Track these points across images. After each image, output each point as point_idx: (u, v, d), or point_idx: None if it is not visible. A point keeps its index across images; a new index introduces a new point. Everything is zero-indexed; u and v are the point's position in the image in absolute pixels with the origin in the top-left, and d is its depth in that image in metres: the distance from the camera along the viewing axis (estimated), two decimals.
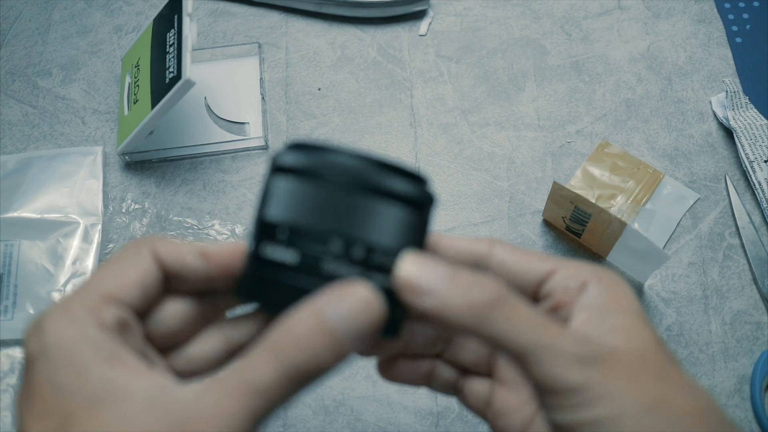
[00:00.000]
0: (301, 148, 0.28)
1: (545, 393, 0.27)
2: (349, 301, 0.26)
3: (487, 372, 0.34)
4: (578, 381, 0.26)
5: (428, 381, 0.35)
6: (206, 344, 0.31)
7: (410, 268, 0.27)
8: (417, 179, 0.29)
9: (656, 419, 0.26)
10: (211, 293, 0.31)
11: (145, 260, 0.29)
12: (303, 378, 0.25)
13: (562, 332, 0.27)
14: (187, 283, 0.30)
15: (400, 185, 0.28)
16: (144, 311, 0.29)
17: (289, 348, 0.25)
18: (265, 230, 0.28)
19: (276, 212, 0.28)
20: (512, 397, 0.33)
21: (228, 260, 0.30)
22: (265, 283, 0.28)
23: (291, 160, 0.28)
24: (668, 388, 0.27)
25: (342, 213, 0.27)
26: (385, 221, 0.27)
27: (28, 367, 0.27)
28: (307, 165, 0.28)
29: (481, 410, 0.34)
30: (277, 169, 0.28)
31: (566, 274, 0.30)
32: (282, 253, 0.27)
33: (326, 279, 0.27)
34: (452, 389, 0.35)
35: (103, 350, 0.27)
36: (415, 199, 0.28)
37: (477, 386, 0.34)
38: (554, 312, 0.30)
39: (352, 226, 0.27)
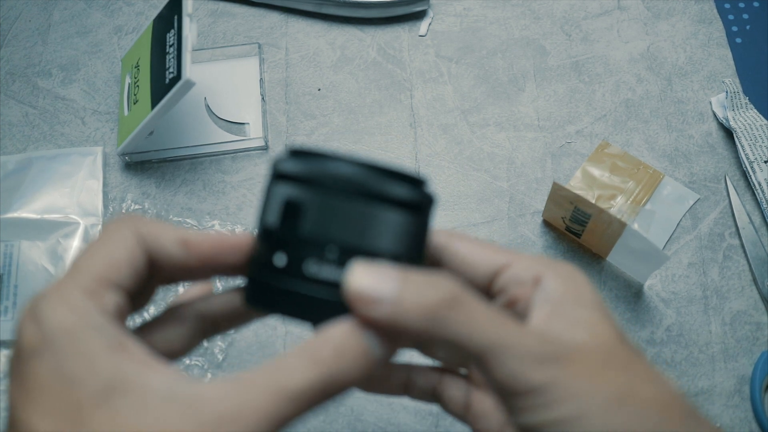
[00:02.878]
0: (302, 155, 0.29)
1: (508, 395, 0.26)
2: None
3: (464, 372, 0.34)
4: (541, 381, 0.26)
5: (406, 390, 0.34)
6: (180, 324, 0.30)
7: (359, 278, 0.26)
8: (415, 182, 0.29)
9: (623, 414, 0.25)
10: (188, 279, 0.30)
11: (130, 241, 0.28)
12: (335, 388, 0.25)
13: (522, 330, 0.26)
14: (165, 269, 0.29)
15: (397, 190, 0.28)
16: (134, 295, 0.28)
17: (329, 358, 0.25)
18: (273, 240, 0.28)
19: (280, 221, 0.28)
20: (488, 398, 0.32)
21: (209, 252, 0.29)
22: (277, 293, 0.28)
23: (291, 167, 0.28)
24: (634, 381, 0.26)
25: (345, 221, 0.28)
26: (384, 227, 0.28)
27: (26, 359, 0.25)
28: (308, 173, 0.28)
29: (461, 414, 0.33)
30: (278, 176, 0.28)
31: (520, 266, 0.29)
32: (294, 263, 0.28)
33: (336, 288, 0.27)
34: (431, 396, 0.34)
35: (108, 338, 0.26)
36: (413, 202, 0.28)
37: (455, 391, 0.33)
38: (511, 308, 0.29)
39: (355, 234, 0.28)
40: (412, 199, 0.28)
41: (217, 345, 0.51)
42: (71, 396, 0.24)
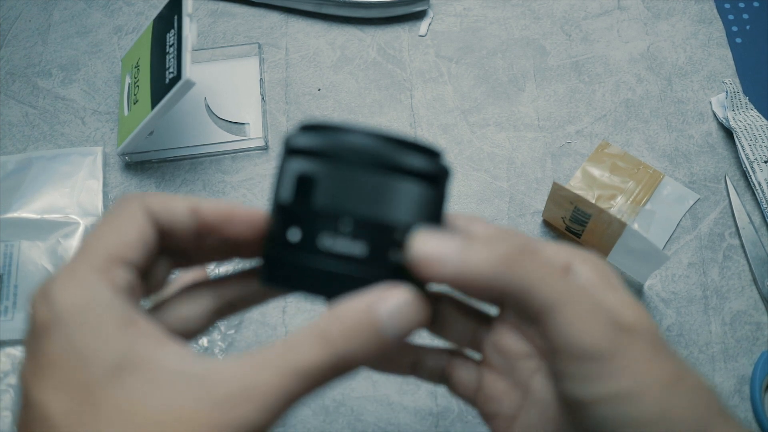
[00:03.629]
0: (313, 129, 0.28)
1: (565, 358, 0.25)
2: (399, 300, 0.26)
3: (475, 350, 0.33)
4: (607, 347, 0.25)
5: (414, 370, 0.33)
6: (196, 303, 0.30)
7: (422, 242, 0.26)
8: (431, 153, 0.28)
9: (676, 397, 0.25)
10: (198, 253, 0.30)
11: (139, 217, 0.28)
12: (345, 367, 0.25)
13: (588, 293, 0.26)
14: (176, 240, 0.29)
15: (413, 161, 0.27)
16: (145, 272, 0.28)
17: (338, 338, 0.25)
18: (287, 215, 0.27)
19: (293, 196, 0.27)
20: (501, 381, 0.31)
21: (220, 218, 0.28)
22: (292, 269, 0.27)
23: (303, 141, 0.27)
24: (681, 367, 0.26)
25: (359, 193, 0.27)
26: (401, 198, 0.27)
27: (38, 337, 0.25)
28: (320, 146, 0.27)
29: (471, 397, 0.32)
30: (291, 151, 0.28)
31: (547, 254, 0.29)
32: (308, 237, 0.27)
33: (352, 261, 0.27)
34: (439, 378, 0.33)
35: (119, 315, 0.25)
36: (429, 173, 0.28)
37: (464, 373, 0.32)
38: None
39: (370, 206, 0.27)
40: (428, 170, 0.28)
41: (217, 345, 0.51)
42: (82, 373, 0.24)
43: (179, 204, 0.28)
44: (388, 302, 0.26)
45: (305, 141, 0.27)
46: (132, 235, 0.27)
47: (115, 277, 0.26)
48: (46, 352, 0.25)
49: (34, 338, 0.25)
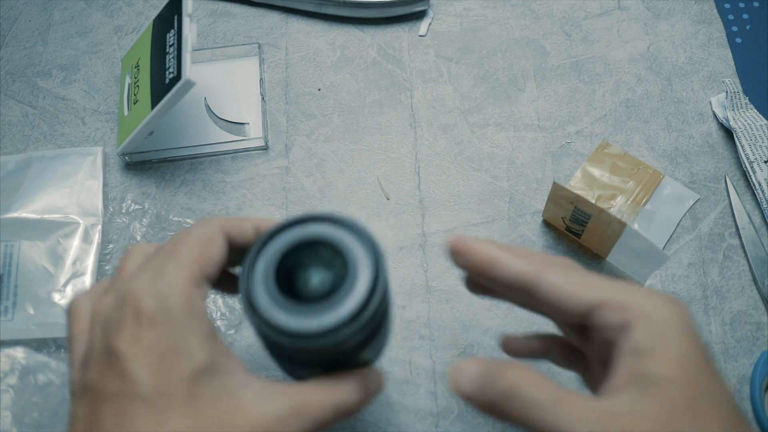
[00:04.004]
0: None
1: None
2: (376, 383, 0.36)
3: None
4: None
5: (546, 355, 0.38)
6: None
7: (458, 376, 0.33)
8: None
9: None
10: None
11: (220, 240, 0.34)
12: (348, 412, 0.34)
13: (581, 411, 0.28)
14: (237, 255, 0.35)
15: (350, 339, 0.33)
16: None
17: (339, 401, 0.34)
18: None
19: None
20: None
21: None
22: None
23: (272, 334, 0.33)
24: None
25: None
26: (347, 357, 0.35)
27: (145, 325, 0.30)
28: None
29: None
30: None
31: (612, 307, 0.30)
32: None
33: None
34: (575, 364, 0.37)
35: (209, 326, 0.32)
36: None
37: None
38: (604, 350, 0.30)
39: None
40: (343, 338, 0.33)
41: None
42: (177, 363, 0.30)
43: (247, 225, 0.35)
44: (375, 384, 0.37)
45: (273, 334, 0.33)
46: (215, 256, 0.34)
47: (203, 291, 0.33)
48: (147, 336, 0.30)
49: (141, 324, 0.31)
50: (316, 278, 0.34)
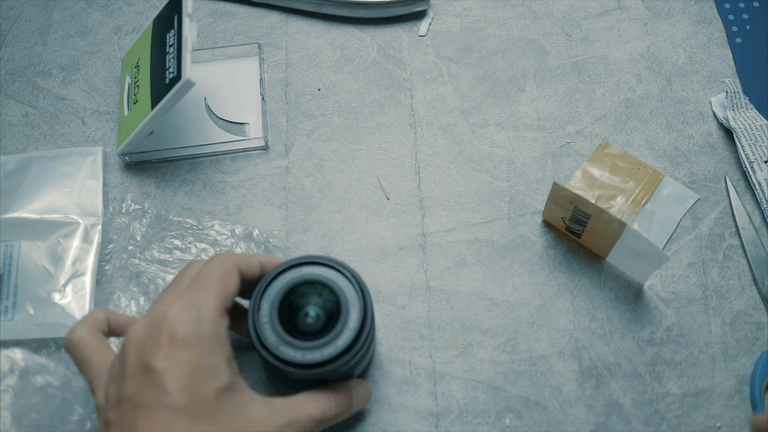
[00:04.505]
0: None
1: None
2: (365, 394, 0.47)
3: None
4: None
5: None
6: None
7: None
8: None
9: None
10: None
11: (235, 276, 0.40)
12: (334, 420, 0.44)
13: None
14: (243, 287, 0.42)
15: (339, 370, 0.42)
16: None
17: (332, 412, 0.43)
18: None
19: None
20: None
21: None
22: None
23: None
24: None
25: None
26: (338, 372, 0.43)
27: (181, 344, 0.36)
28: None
29: None
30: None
31: None
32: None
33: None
34: None
35: (230, 352, 0.39)
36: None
37: None
38: None
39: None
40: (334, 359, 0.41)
41: None
42: (206, 382, 0.37)
43: (254, 261, 0.42)
44: (362, 395, 0.47)
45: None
46: (233, 289, 0.40)
47: (226, 320, 0.39)
48: (181, 356, 0.36)
49: (176, 342, 0.36)
50: (314, 315, 0.41)
